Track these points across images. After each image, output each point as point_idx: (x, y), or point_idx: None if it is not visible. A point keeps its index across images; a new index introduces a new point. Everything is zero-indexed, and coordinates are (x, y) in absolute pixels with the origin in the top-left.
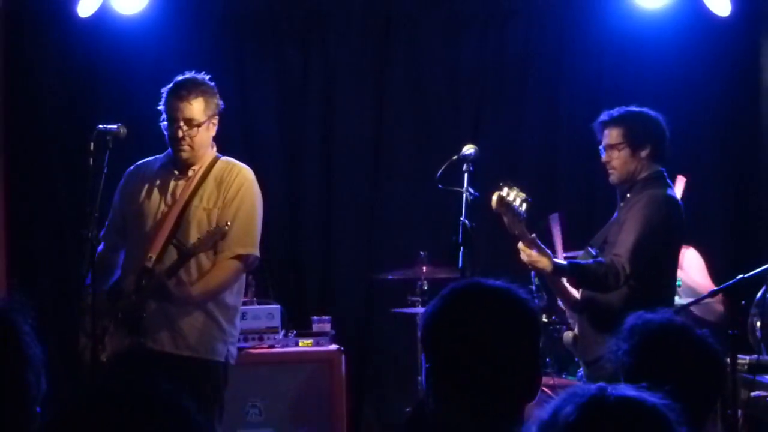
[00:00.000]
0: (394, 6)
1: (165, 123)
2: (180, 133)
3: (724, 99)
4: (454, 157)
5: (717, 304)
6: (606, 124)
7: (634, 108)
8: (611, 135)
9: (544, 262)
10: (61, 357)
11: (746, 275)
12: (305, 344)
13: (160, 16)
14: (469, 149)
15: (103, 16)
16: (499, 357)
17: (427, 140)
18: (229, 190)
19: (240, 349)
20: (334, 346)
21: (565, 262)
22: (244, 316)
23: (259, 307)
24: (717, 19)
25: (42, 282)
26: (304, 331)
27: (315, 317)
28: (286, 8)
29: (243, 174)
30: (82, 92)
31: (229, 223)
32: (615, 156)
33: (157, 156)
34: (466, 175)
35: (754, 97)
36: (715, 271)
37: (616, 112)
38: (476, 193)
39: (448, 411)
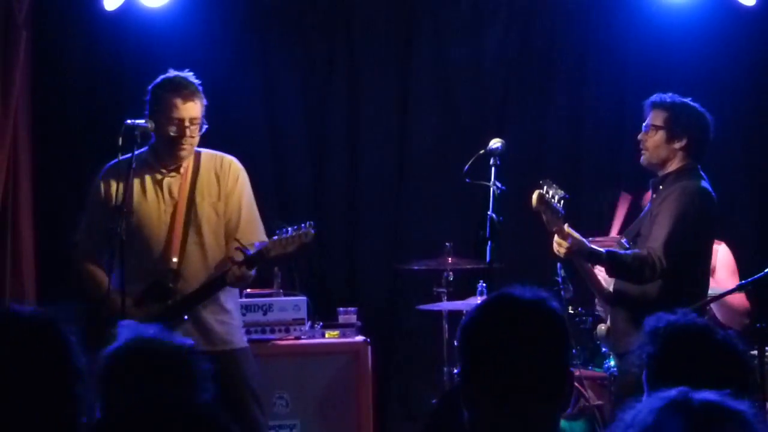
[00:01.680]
0: None
1: (133, 122)
2: (187, 132)
3: (752, 90)
4: (482, 151)
5: (744, 316)
6: (654, 105)
7: (688, 99)
8: (654, 116)
9: (580, 245)
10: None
11: None
12: (331, 336)
13: (186, 8)
14: (496, 143)
15: (128, 9)
16: (529, 367)
17: (452, 133)
18: (228, 182)
19: (266, 340)
20: (360, 338)
21: (602, 250)
22: (270, 308)
23: (285, 298)
24: (743, 9)
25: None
26: (330, 323)
27: (341, 309)
28: (311, 0)
29: (235, 165)
30: (109, 86)
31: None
32: (651, 136)
33: (125, 156)
34: (493, 168)
35: None
36: (742, 263)
37: (668, 96)
38: (503, 187)
39: (480, 417)
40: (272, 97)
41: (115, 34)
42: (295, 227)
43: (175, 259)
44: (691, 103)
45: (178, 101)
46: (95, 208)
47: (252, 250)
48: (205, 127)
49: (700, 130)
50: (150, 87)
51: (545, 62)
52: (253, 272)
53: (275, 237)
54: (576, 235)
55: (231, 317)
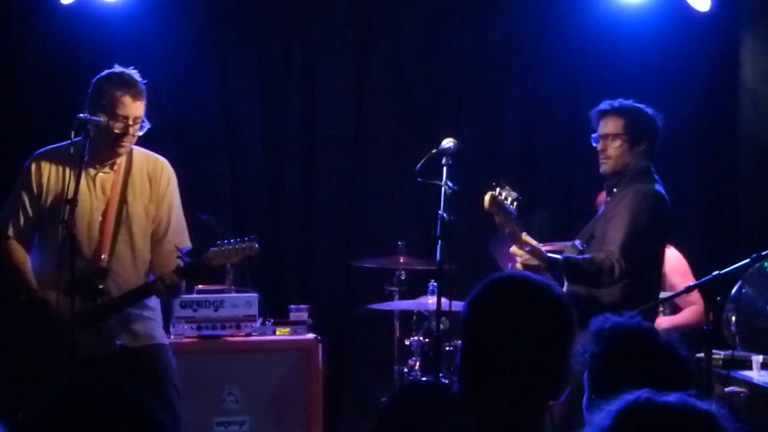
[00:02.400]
0: None
1: (86, 116)
2: (131, 131)
3: (704, 94)
4: (434, 151)
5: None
6: (606, 113)
7: (633, 102)
8: (610, 124)
9: (539, 256)
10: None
11: (722, 272)
12: (282, 333)
13: (143, 3)
14: (448, 143)
15: (85, 2)
16: (530, 349)
17: (407, 132)
18: (160, 186)
19: (217, 336)
20: (311, 335)
21: (559, 257)
22: (221, 303)
23: (236, 295)
24: (697, 14)
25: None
26: (282, 320)
27: (292, 306)
28: None
29: (167, 168)
30: (64, 80)
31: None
32: (612, 146)
33: (58, 145)
34: (445, 168)
35: (734, 92)
36: (692, 266)
37: (617, 102)
38: (455, 187)
39: (475, 394)
40: (228, 94)
41: (71, 27)
42: (239, 240)
43: (104, 257)
44: (640, 105)
45: (127, 99)
46: (22, 190)
47: (190, 259)
48: (147, 127)
49: (656, 131)
50: (94, 80)
51: (500, 63)
52: (182, 285)
53: (217, 247)
54: (534, 243)
55: (154, 313)
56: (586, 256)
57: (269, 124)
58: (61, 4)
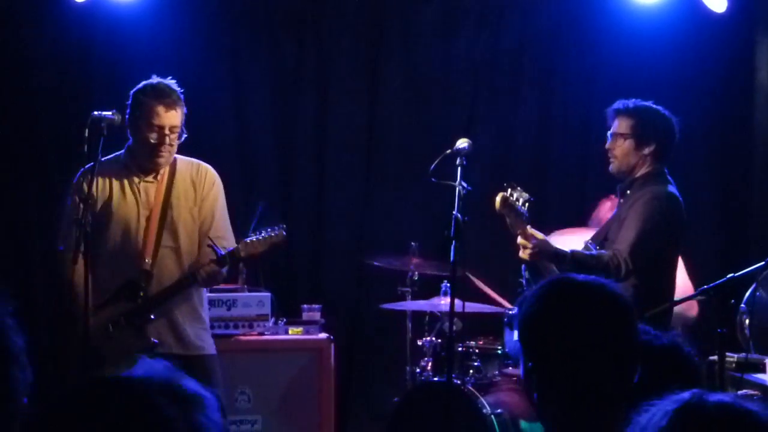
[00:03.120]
0: None
1: (136, 126)
2: (167, 140)
3: (719, 95)
4: (448, 151)
5: (691, 311)
6: (618, 112)
7: (650, 103)
8: (621, 124)
9: (543, 246)
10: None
11: (736, 274)
12: (295, 332)
13: (156, 4)
14: (462, 143)
15: (98, 2)
16: (604, 352)
17: (420, 133)
18: (204, 189)
19: (229, 336)
20: (323, 335)
21: (567, 251)
22: (234, 303)
23: (249, 294)
24: (712, 16)
25: (35, 271)
26: (294, 320)
27: (305, 306)
28: (281, 1)
29: (211, 172)
30: (77, 78)
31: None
32: (619, 145)
33: (109, 157)
34: (459, 168)
35: (749, 94)
36: (704, 268)
37: (631, 102)
38: (469, 187)
39: (550, 403)
40: (240, 96)
41: (84, 26)
42: (268, 229)
43: (148, 260)
44: (655, 106)
45: (161, 109)
46: (73, 209)
47: (223, 250)
48: (185, 135)
49: (666, 134)
50: (132, 92)
51: (514, 64)
52: (224, 271)
53: (248, 238)
54: (540, 235)
55: (203, 323)
56: (594, 252)
57: (282, 125)
58: (74, 3)
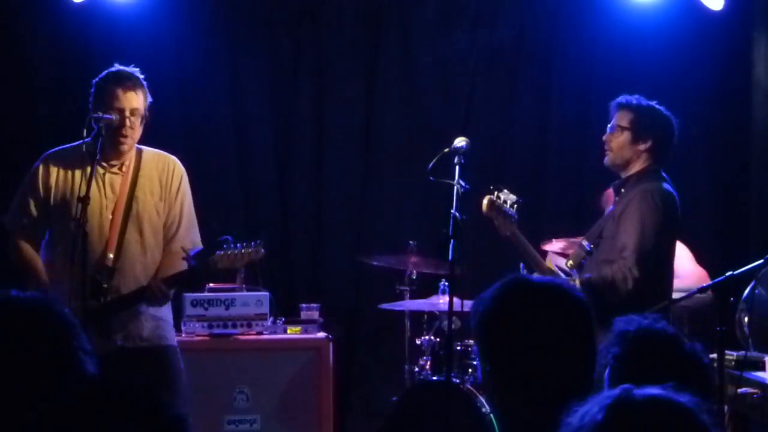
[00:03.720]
0: None
1: (99, 114)
2: (127, 123)
3: (716, 93)
4: (446, 150)
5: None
6: (620, 106)
7: (653, 102)
8: (620, 117)
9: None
10: None
11: (735, 272)
12: (293, 331)
13: (153, 3)
14: (460, 142)
15: (96, 2)
16: (552, 350)
17: (418, 132)
18: (172, 184)
19: (228, 335)
20: (322, 334)
21: (576, 282)
22: (233, 302)
23: (247, 293)
24: (710, 13)
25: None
26: (293, 319)
27: (303, 305)
28: None
29: (178, 166)
30: (75, 79)
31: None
32: (616, 137)
33: (67, 146)
34: (457, 167)
35: (746, 91)
36: (703, 266)
37: (634, 98)
38: (467, 186)
39: (501, 397)
40: (238, 93)
41: (82, 25)
42: (245, 243)
43: (111, 256)
44: (657, 106)
45: (119, 91)
46: (29, 189)
47: (195, 261)
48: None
49: (665, 132)
50: (94, 81)
51: (511, 62)
52: (171, 293)
53: (223, 251)
54: (556, 270)
55: (165, 315)
56: (598, 273)
57: (279, 124)
58: (72, 2)
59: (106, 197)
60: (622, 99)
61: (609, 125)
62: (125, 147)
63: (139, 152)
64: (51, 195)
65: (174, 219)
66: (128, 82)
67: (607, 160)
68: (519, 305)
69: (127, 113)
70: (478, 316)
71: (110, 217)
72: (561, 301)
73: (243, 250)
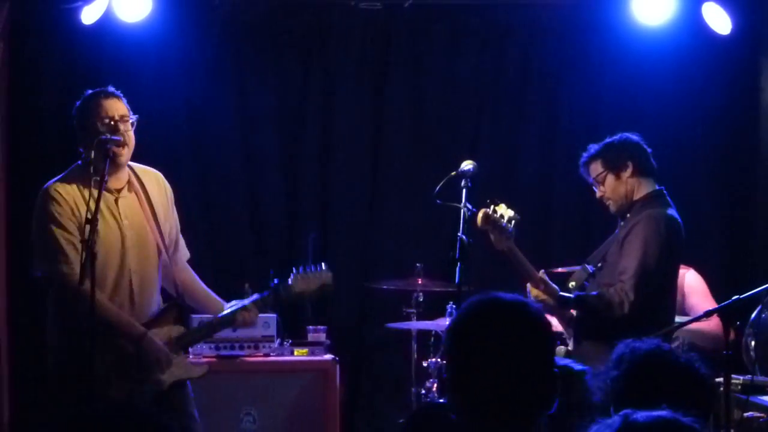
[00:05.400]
0: (394, 20)
1: (106, 136)
2: (121, 128)
3: (724, 117)
4: (453, 173)
5: (715, 330)
6: (585, 164)
7: (606, 139)
8: (592, 170)
9: (552, 294)
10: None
11: (741, 296)
12: (300, 353)
13: (163, 25)
14: (467, 165)
15: (106, 23)
16: (512, 367)
17: (425, 154)
18: (168, 198)
19: (235, 357)
20: (328, 356)
21: (571, 295)
22: None
23: None
24: (717, 37)
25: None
26: (300, 341)
27: (310, 327)
28: (287, 19)
29: (164, 180)
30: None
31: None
32: (603, 188)
33: (61, 176)
34: (464, 190)
35: (754, 116)
36: (710, 290)
37: (589, 148)
38: (474, 209)
39: (469, 420)
40: (246, 115)
41: (93, 47)
42: (313, 266)
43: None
44: (610, 138)
45: (102, 101)
46: (57, 231)
47: (272, 289)
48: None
49: (633, 148)
50: (73, 112)
51: (519, 84)
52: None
53: (299, 271)
54: (548, 282)
55: None
56: (595, 292)
57: (286, 145)
58: (83, 24)
59: (123, 227)
60: (582, 159)
61: (592, 186)
62: (123, 158)
63: (131, 168)
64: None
65: (176, 233)
66: (108, 92)
67: (612, 209)
68: (482, 320)
69: (117, 118)
70: (447, 328)
71: (140, 247)
72: (522, 320)
73: (316, 272)
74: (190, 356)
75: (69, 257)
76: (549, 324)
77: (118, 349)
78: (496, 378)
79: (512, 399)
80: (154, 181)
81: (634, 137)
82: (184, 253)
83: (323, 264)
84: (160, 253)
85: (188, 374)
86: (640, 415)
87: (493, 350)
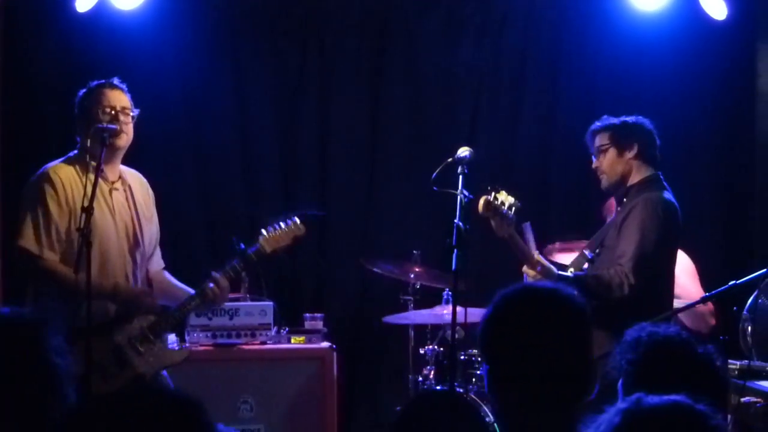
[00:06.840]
0: (391, 7)
1: (103, 125)
2: (121, 118)
3: (720, 102)
4: (450, 159)
5: (710, 317)
6: (594, 132)
7: (623, 116)
8: (599, 139)
9: (549, 275)
10: None
11: (738, 282)
12: (297, 341)
13: (158, 12)
14: (464, 151)
15: (101, 11)
16: (552, 354)
17: (422, 141)
18: (151, 201)
19: (232, 345)
20: (326, 344)
21: (570, 274)
22: (237, 312)
23: (251, 303)
24: (713, 23)
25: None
26: (297, 329)
27: (307, 314)
28: (284, 6)
29: (147, 183)
30: (80, 88)
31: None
32: (602, 159)
33: (58, 161)
34: (461, 177)
35: (750, 101)
36: (706, 276)
37: (602, 119)
38: (471, 196)
39: (507, 404)
40: (243, 102)
41: (87, 35)
42: (283, 221)
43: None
44: (626, 116)
45: (107, 91)
46: (46, 211)
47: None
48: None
49: (644, 133)
50: (76, 100)
51: (516, 72)
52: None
53: (267, 231)
54: (544, 262)
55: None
56: (595, 273)
57: (284, 133)
58: (77, 12)
59: (117, 217)
60: (593, 126)
61: (592, 155)
62: (121, 143)
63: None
64: (71, 208)
65: (156, 236)
66: (112, 84)
67: (603, 183)
68: (518, 309)
69: (119, 108)
70: (482, 321)
71: (126, 238)
72: (558, 306)
73: (285, 228)
74: (186, 344)
75: (41, 239)
76: (585, 308)
77: (94, 351)
78: (533, 363)
79: (548, 384)
80: (138, 182)
81: (649, 124)
82: (157, 261)
83: (295, 217)
84: (138, 248)
85: (169, 361)
86: (654, 397)
87: (531, 339)
